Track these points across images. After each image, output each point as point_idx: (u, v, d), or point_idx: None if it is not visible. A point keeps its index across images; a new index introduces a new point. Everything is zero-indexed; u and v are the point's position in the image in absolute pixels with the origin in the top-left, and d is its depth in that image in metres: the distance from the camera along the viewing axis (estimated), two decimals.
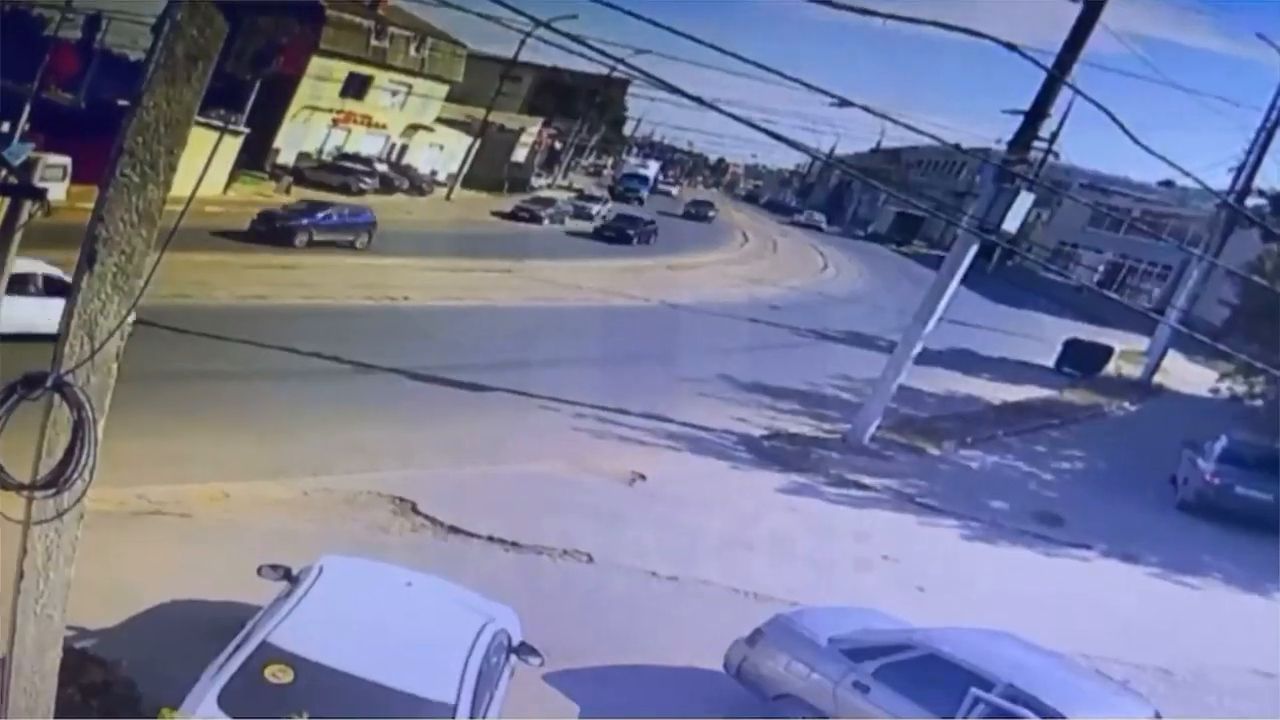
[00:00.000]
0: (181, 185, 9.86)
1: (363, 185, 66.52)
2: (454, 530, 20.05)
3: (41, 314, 26.70)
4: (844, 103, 23.18)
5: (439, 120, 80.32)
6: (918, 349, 32.29)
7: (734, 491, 25.75)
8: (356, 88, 71.91)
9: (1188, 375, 49.00)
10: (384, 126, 75.60)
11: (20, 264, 26.94)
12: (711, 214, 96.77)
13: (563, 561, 19.80)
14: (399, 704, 10.57)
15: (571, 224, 72.50)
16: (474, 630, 11.81)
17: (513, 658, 12.74)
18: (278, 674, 10.52)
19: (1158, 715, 14.61)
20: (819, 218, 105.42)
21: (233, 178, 53.56)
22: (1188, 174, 30.85)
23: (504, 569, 18.75)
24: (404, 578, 12.81)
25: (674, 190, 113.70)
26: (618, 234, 69.52)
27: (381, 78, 73.25)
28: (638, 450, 26.87)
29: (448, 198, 73.88)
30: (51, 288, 26.95)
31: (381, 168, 71.57)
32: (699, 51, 18.55)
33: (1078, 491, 31.54)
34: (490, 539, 19.94)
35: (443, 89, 78.96)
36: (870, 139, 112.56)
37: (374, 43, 71.24)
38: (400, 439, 24.06)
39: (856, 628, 15.66)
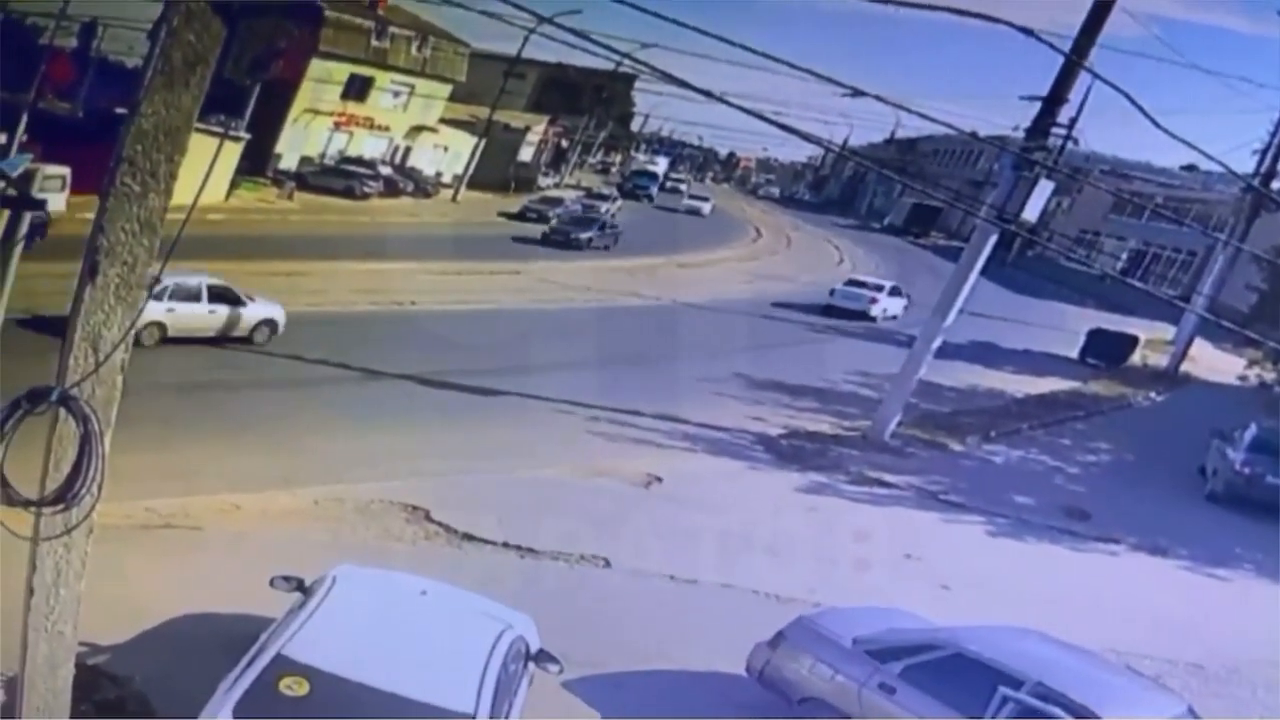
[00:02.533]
0: (183, 193, 9.93)
1: (366, 189, 66.61)
2: (468, 537, 20.09)
3: (209, 319, 28.90)
4: (856, 92, 23.16)
5: (442, 121, 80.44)
6: (938, 343, 32.28)
7: (752, 492, 25.77)
8: (358, 90, 72.05)
9: (1215, 363, 48.97)
10: (387, 128, 75.75)
11: (187, 275, 28.26)
12: (706, 210, 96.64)
13: (579, 567, 19.84)
14: (417, 714, 10.58)
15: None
16: (491, 638, 11.84)
17: (531, 665, 12.76)
18: (293, 686, 10.56)
19: (1191, 711, 14.59)
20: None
21: (234, 184, 53.73)
22: (1211, 158, 30.58)
23: (519, 575, 18.77)
24: (418, 586, 12.85)
25: (682, 186, 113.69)
26: (564, 239, 62.66)
27: (383, 79, 73.40)
28: (653, 452, 26.92)
29: (453, 199, 74.03)
30: (215, 295, 28.44)
31: (385, 170, 71.69)
32: (706, 44, 18.56)
33: (1105, 485, 31.52)
34: (505, 545, 20.00)
35: (446, 89, 79.04)
36: (884, 129, 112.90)
37: (374, 43, 71.34)
38: (411, 446, 24.15)
39: (881, 628, 15.65)
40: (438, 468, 23.02)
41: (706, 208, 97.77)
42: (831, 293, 53.80)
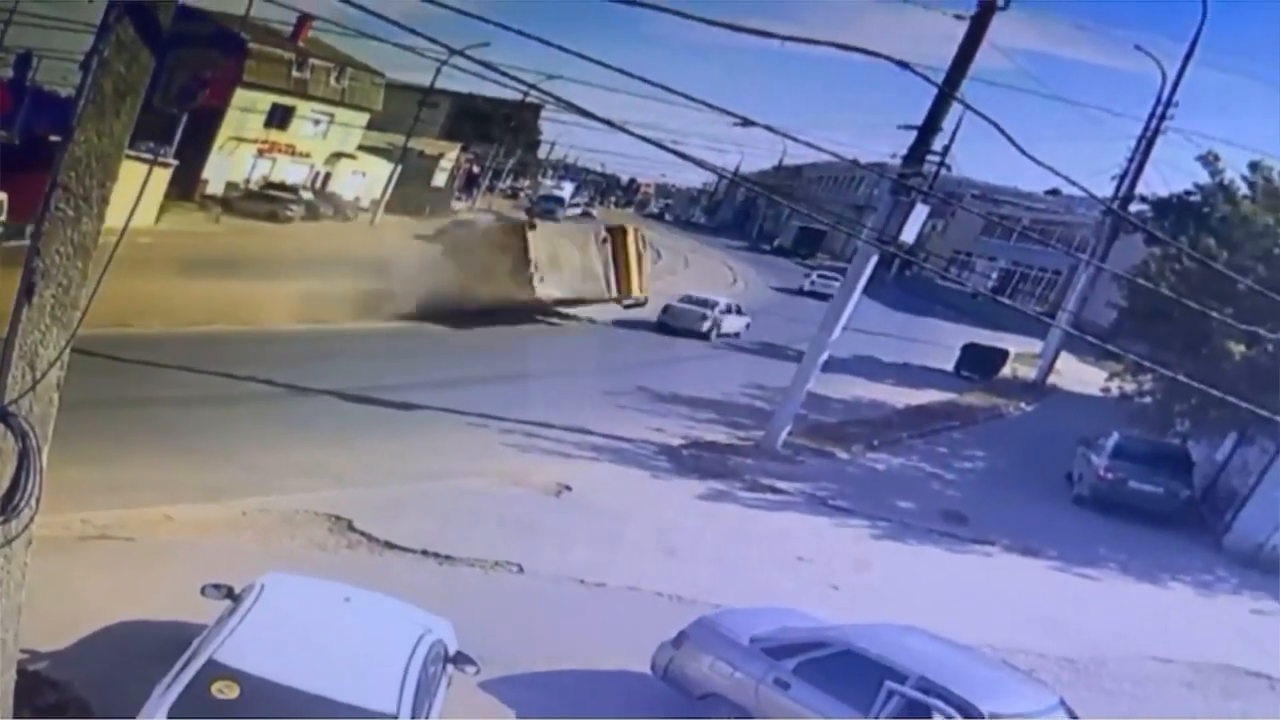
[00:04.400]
0: (115, 216, 9.78)
1: (289, 213, 66.06)
2: (389, 546, 19.85)
3: None
4: (747, 122, 23.32)
5: (361, 148, 79.88)
6: (824, 357, 32.52)
7: (656, 499, 25.74)
8: (280, 118, 71.35)
9: (1080, 375, 49.65)
10: (308, 155, 75.08)
11: None
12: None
13: (494, 572, 19.69)
14: (342, 715, 10.50)
15: None
16: (412, 641, 11.76)
17: (449, 667, 12.67)
18: (224, 690, 10.42)
19: (1063, 703, 14.75)
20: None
21: (163, 209, 52.94)
22: (1073, 182, 31.22)
23: (438, 581, 18.60)
24: (343, 593, 12.72)
25: (592, 210, 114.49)
26: None
27: (304, 108, 72.77)
28: (563, 463, 26.78)
29: (372, 223, 73.44)
30: None
31: (307, 195, 71.07)
32: (608, 75, 18.58)
33: (979, 490, 31.94)
34: (424, 553, 19.78)
35: (363, 117, 78.51)
36: (773, 157, 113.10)
37: (295, 74, 70.78)
38: (335, 459, 23.82)
39: (776, 627, 15.68)
40: (360, 479, 22.70)
41: (594, 212, 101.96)
42: (665, 309, 49.98)
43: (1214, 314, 28.03)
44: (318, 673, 10.83)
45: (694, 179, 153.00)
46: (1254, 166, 34.92)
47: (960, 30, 30.03)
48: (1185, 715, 19.44)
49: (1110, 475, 31.70)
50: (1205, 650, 22.23)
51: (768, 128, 24.47)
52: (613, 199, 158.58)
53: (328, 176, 77.65)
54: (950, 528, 27.53)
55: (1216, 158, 36.73)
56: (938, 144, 30.88)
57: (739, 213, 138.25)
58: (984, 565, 25.57)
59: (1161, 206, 42.37)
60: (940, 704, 13.44)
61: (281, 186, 70.29)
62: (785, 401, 32.37)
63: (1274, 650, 22.76)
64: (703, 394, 36.51)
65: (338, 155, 77.92)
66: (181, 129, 53.38)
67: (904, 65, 23.98)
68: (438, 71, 62.43)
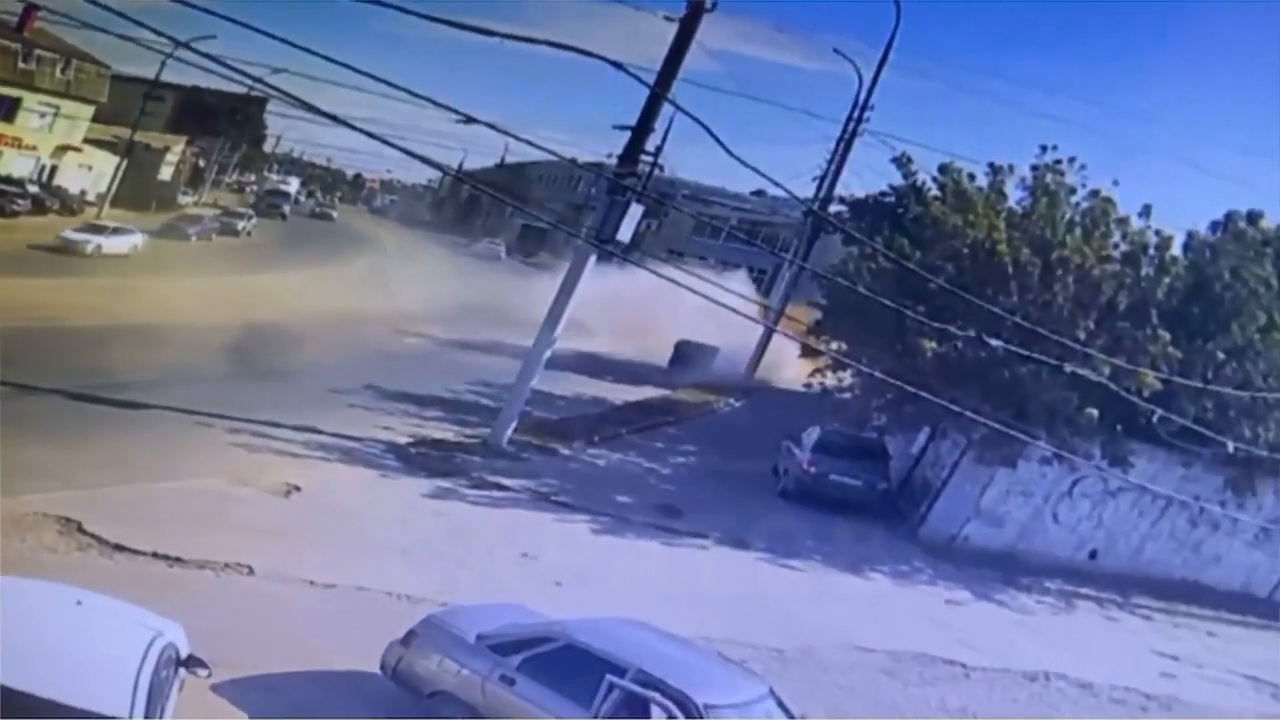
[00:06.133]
0: None
1: (15, 207, 63.30)
2: (119, 548, 19.14)
3: None
4: (469, 120, 23.41)
5: (87, 141, 77.09)
6: (548, 354, 32.62)
7: (384, 499, 25.51)
8: (6, 110, 68.55)
9: (784, 372, 50.79)
10: (34, 148, 72.07)
11: None
12: (334, 215, 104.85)
13: (225, 574, 19.19)
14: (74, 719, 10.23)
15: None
16: (143, 645, 11.44)
17: (181, 670, 12.40)
18: None
19: (772, 692, 15.22)
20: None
21: None
22: (776, 183, 32.16)
23: (169, 584, 18.04)
24: (74, 596, 12.29)
25: (334, 212, 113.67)
26: None
27: (30, 99, 70.00)
28: (291, 463, 26.23)
29: (98, 217, 70.64)
30: None
31: (33, 189, 68.19)
32: (335, 70, 18.47)
33: (693, 484, 32.54)
34: (154, 555, 19.15)
35: (89, 110, 75.80)
36: (497, 154, 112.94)
37: (21, 65, 67.90)
38: (64, 459, 22.77)
39: (502, 624, 15.72)
40: (90, 480, 21.76)
41: (334, 214, 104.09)
42: None
43: (908, 312, 29.23)
44: (49, 677, 10.46)
45: (420, 175, 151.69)
46: (944, 169, 35.86)
47: (671, 32, 30.59)
48: (886, 702, 20.33)
49: (813, 469, 32.53)
50: (903, 639, 23.22)
51: (490, 125, 24.55)
52: (339, 194, 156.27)
53: (54, 170, 74.73)
54: (666, 521, 28.02)
55: (909, 160, 37.73)
56: (651, 144, 31.24)
57: (463, 210, 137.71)
58: (698, 558, 26.12)
59: (858, 207, 43.07)
60: (657, 696, 13.74)
61: (7, 180, 67.18)
62: (510, 399, 32.31)
63: (967, 639, 24.01)
64: (431, 391, 36.29)
65: (64, 148, 75.06)
66: None
67: (618, 66, 24.38)
68: (163, 64, 60.76)
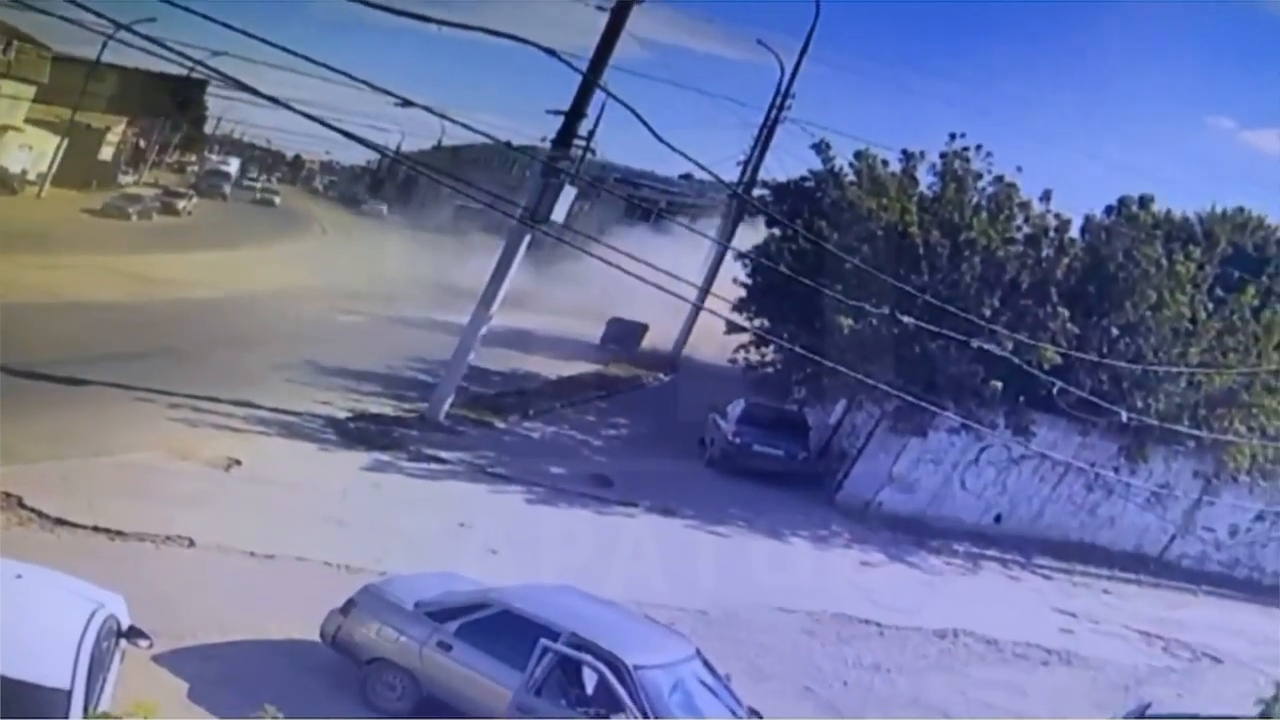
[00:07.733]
0: None
1: None
2: (60, 522, 18.90)
3: None
4: (406, 103, 23.28)
5: (27, 121, 75.53)
6: (483, 331, 32.39)
7: (323, 471, 25.22)
8: None
9: (711, 347, 50.86)
10: None
11: None
12: (276, 201, 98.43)
13: (165, 547, 18.99)
14: (15, 692, 10.01)
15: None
16: (84, 617, 11.29)
17: (123, 641, 12.26)
18: None
19: (699, 653, 15.32)
20: (381, 206, 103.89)
21: None
22: (703, 168, 32.16)
23: (110, 556, 17.86)
24: (14, 570, 12.11)
25: (256, 185, 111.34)
26: None
27: None
28: (231, 437, 25.86)
29: (38, 196, 69.52)
30: None
31: None
32: (274, 53, 18.26)
33: (624, 455, 32.57)
34: (95, 529, 18.92)
35: (30, 90, 74.13)
36: (433, 137, 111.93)
37: None
38: (2, 434, 22.48)
39: (440, 591, 15.77)
40: (29, 454, 21.27)
41: (277, 200, 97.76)
42: None
43: (826, 291, 29.55)
44: None
45: (358, 157, 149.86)
46: (859, 155, 35.85)
47: (603, 20, 30.50)
48: (805, 660, 20.53)
49: (737, 439, 32.72)
50: (822, 600, 23.49)
51: (426, 108, 24.43)
52: (278, 174, 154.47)
53: None
54: (598, 491, 27.99)
55: (828, 146, 37.49)
56: (584, 129, 31.26)
57: (401, 191, 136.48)
58: (628, 526, 26.16)
59: (780, 191, 42.85)
60: (589, 658, 13.87)
61: None
62: (447, 374, 32.05)
63: (881, 599, 24.26)
64: (369, 367, 35.97)
65: (4, 128, 73.37)
66: None
67: (550, 52, 24.30)
68: (104, 45, 59.63)
